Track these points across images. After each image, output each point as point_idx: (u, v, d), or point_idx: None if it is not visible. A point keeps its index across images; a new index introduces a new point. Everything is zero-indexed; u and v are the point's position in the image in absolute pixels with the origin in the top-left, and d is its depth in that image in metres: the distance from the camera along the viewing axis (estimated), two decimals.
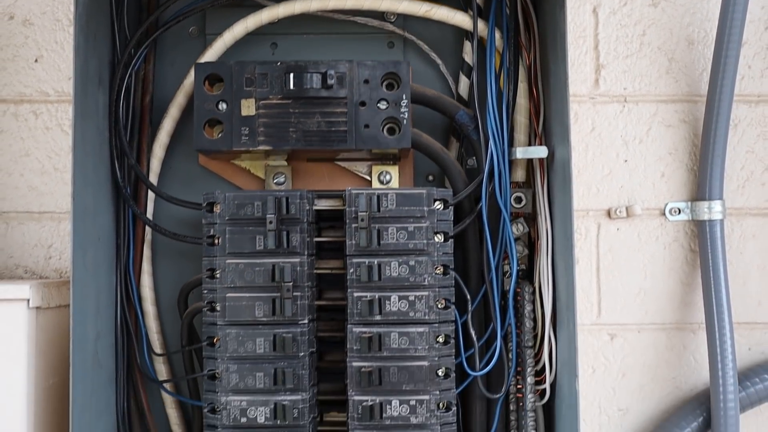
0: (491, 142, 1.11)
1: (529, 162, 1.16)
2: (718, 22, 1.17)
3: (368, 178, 1.18)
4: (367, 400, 1.04)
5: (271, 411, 1.04)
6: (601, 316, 1.23)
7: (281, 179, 1.17)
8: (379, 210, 1.05)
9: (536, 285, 1.12)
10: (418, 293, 1.05)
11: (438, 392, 1.05)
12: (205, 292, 1.06)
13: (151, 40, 1.16)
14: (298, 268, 1.05)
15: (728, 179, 1.23)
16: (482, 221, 1.11)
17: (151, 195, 1.17)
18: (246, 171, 1.19)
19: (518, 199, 1.15)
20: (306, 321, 1.05)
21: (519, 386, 1.12)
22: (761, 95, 1.25)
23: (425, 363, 1.04)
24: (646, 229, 1.24)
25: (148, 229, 1.17)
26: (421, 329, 1.05)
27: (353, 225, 1.05)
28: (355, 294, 1.05)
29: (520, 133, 1.16)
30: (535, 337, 1.12)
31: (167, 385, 1.16)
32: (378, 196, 1.05)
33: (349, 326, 1.05)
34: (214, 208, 1.07)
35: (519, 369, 1.12)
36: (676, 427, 1.17)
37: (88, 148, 1.07)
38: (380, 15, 1.19)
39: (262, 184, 1.18)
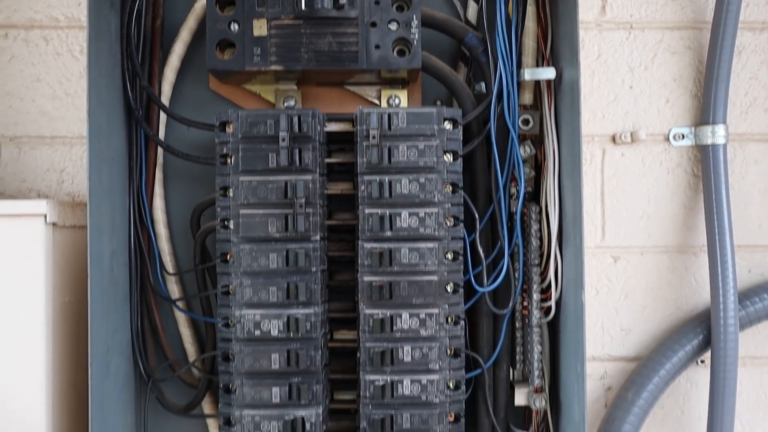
0: (500, 63, 1.13)
1: (537, 85, 1.17)
2: None
3: (377, 102, 1.19)
4: (377, 314, 1.07)
5: (284, 324, 1.06)
6: (605, 239, 1.25)
7: (291, 103, 1.19)
8: (389, 128, 1.07)
9: (543, 205, 1.14)
10: (427, 210, 1.07)
11: (447, 306, 1.07)
12: (219, 209, 1.08)
13: None
14: (311, 186, 1.07)
15: (732, 105, 1.24)
16: (491, 142, 1.13)
17: (162, 118, 1.18)
18: (256, 95, 1.20)
19: (526, 122, 1.17)
20: (318, 238, 1.07)
21: (525, 303, 1.15)
22: (766, 22, 1.26)
23: (435, 278, 1.07)
24: (650, 154, 1.26)
25: (160, 153, 1.18)
26: (430, 245, 1.07)
27: (364, 143, 1.07)
28: (366, 211, 1.07)
29: (528, 56, 1.17)
30: (541, 255, 1.14)
31: (180, 304, 1.18)
32: (389, 115, 1.07)
33: (360, 242, 1.07)
34: (227, 128, 1.08)
35: (525, 287, 1.15)
36: (676, 344, 1.20)
37: (102, 68, 1.08)
38: None
39: (273, 109, 1.19)
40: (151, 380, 1.17)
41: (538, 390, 1.14)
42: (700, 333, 1.20)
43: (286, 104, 1.19)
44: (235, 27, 1.10)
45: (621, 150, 1.26)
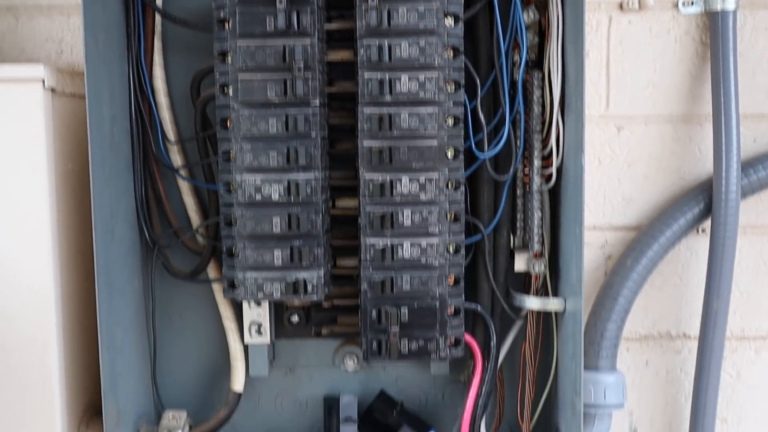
0: None
1: None
2: None
3: None
4: (377, 178, 1.07)
5: (285, 188, 1.07)
6: (609, 108, 1.24)
7: None
8: None
9: (545, 71, 1.13)
10: (428, 74, 1.06)
11: (447, 171, 1.07)
12: (217, 75, 1.07)
13: None
14: (309, 50, 1.05)
15: None
16: (493, 7, 1.11)
17: None
18: None
19: None
20: (317, 103, 1.07)
21: (526, 170, 1.15)
22: None
23: (435, 143, 1.07)
24: (658, 21, 1.23)
25: (158, 21, 1.17)
26: (430, 110, 1.06)
27: (363, 6, 1.05)
28: (366, 75, 1.06)
29: None
30: (543, 122, 1.13)
31: (182, 172, 1.19)
32: None
33: (359, 107, 1.07)
34: None
35: (526, 153, 1.14)
36: (677, 212, 1.20)
37: None
38: None
39: None
40: (157, 247, 1.19)
41: (538, 255, 1.15)
42: (702, 201, 1.20)
43: None
44: None
45: (628, 17, 1.23)
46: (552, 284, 1.17)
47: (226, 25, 1.06)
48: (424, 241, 1.09)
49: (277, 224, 1.08)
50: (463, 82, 1.07)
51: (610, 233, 1.26)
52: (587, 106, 1.17)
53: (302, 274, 1.09)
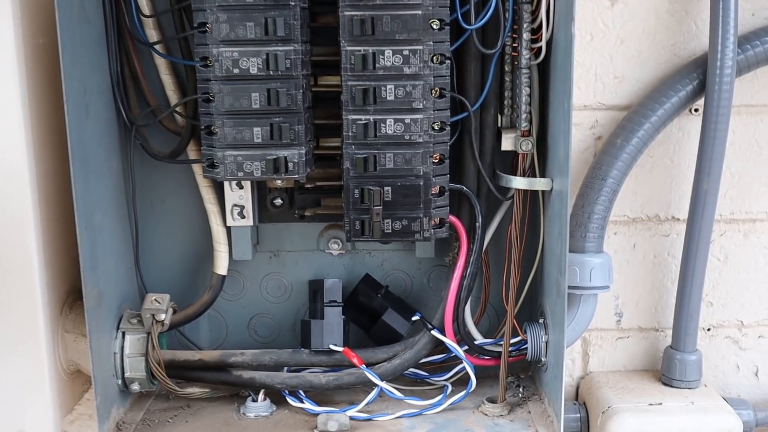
0: None
1: None
2: None
3: None
4: (359, 50, 1.03)
5: (263, 61, 1.03)
6: None
7: None
8: None
9: None
10: None
11: (432, 43, 1.03)
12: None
13: None
14: None
15: None
16: None
17: None
18: None
19: None
20: None
21: (514, 45, 1.11)
22: None
23: (419, 12, 1.02)
24: None
25: None
26: None
27: None
28: None
29: None
30: None
31: (159, 48, 1.14)
32: None
33: None
34: None
35: (515, 26, 1.10)
36: (670, 90, 1.17)
37: None
38: None
39: None
40: (135, 127, 1.15)
41: (525, 134, 1.12)
42: (696, 78, 1.17)
43: None
44: None
45: None
46: (539, 164, 1.15)
47: None
48: (407, 117, 1.05)
49: (256, 100, 1.05)
50: None
51: (600, 113, 1.22)
52: None
53: (283, 152, 1.06)
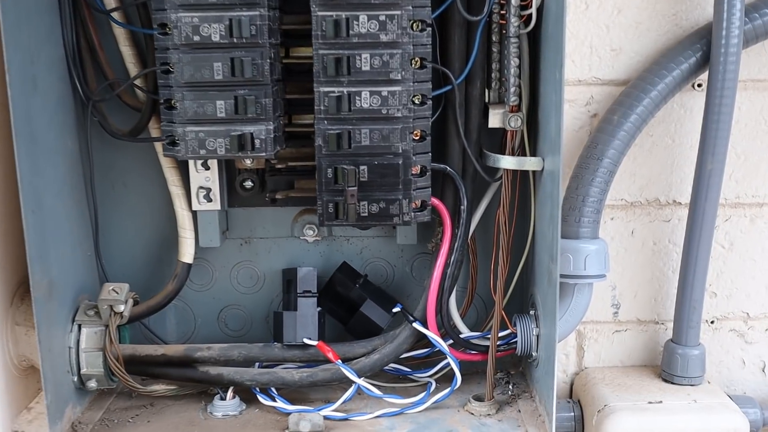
0: None
1: None
2: None
3: None
4: (331, 16, 0.94)
5: (226, 27, 0.95)
6: None
7: None
8: None
9: None
10: None
11: (410, 8, 0.95)
12: None
13: None
14: None
15: None
16: None
17: None
18: None
19: None
20: None
21: (503, 12, 1.02)
22: None
23: None
24: None
25: None
26: None
27: None
28: None
29: None
30: None
31: (116, 16, 1.05)
32: None
33: None
34: None
35: None
36: (671, 63, 1.08)
37: None
38: None
39: None
40: (91, 102, 1.07)
41: (515, 109, 1.04)
42: (699, 50, 1.08)
43: None
44: None
45: None
46: (530, 143, 1.06)
47: None
48: (385, 90, 0.97)
49: (218, 70, 0.96)
50: None
51: (596, 88, 1.14)
52: None
53: (248, 128, 0.98)
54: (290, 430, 1.03)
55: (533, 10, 1.00)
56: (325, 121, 0.98)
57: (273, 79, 0.98)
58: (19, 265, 1.05)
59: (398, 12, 0.94)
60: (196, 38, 0.95)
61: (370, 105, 0.97)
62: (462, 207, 1.07)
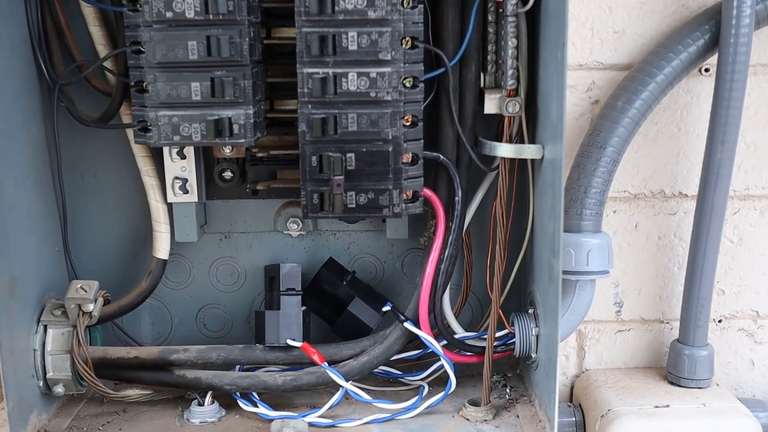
0: None
1: None
2: None
3: None
4: None
5: (201, 2, 0.89)
6: None
7: None
8: None
9: None
10: None
11: None
12: None
13: None
14: None
15: None
16: None
17: None
18: None
19: None
20: None
21: None
22: None
23: None
24: None
25: None
26: None
27: None
28: None
29: None
30: None
31: None
32: None
33: None
34: None
35: None
36: (678, 45, 1.02)
37: None
38: None
39: None
40: (58, 86, 1.00)
41: (512, 94, 0.98)
42: (708, 32, 1.02)
43: None
44: None
45: None
46: (528, 129, 1.00)
47: None
48: (373, 71, 0.91)
49: (193, 49, 0.90)
50: None
51: (597, 73, 1.08)
52: None
53: (226, 112, 0.92)
54: None
55: None
56: (309, 105, 0.91)
57: (253, 60, 0.91)
58: None
59: None
60: (169, 14, 0.88)
61: (358, 87, 0.90)
62: (456, 198, 1.01)
